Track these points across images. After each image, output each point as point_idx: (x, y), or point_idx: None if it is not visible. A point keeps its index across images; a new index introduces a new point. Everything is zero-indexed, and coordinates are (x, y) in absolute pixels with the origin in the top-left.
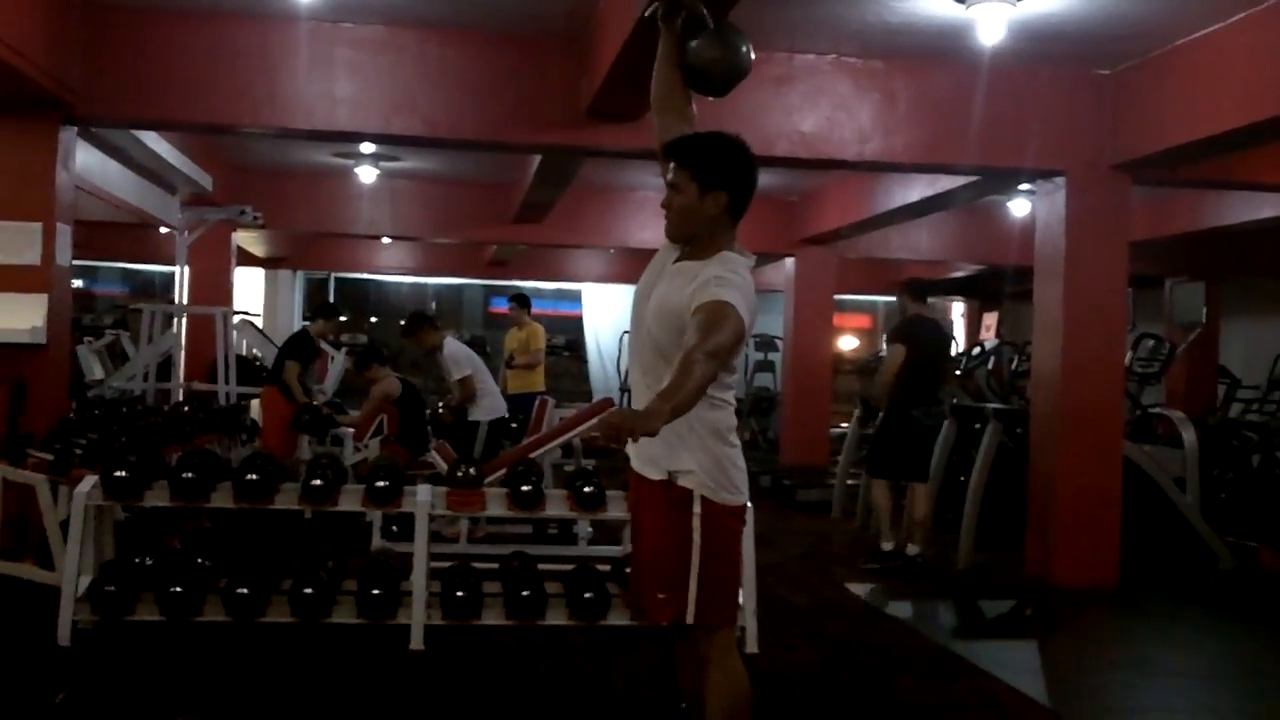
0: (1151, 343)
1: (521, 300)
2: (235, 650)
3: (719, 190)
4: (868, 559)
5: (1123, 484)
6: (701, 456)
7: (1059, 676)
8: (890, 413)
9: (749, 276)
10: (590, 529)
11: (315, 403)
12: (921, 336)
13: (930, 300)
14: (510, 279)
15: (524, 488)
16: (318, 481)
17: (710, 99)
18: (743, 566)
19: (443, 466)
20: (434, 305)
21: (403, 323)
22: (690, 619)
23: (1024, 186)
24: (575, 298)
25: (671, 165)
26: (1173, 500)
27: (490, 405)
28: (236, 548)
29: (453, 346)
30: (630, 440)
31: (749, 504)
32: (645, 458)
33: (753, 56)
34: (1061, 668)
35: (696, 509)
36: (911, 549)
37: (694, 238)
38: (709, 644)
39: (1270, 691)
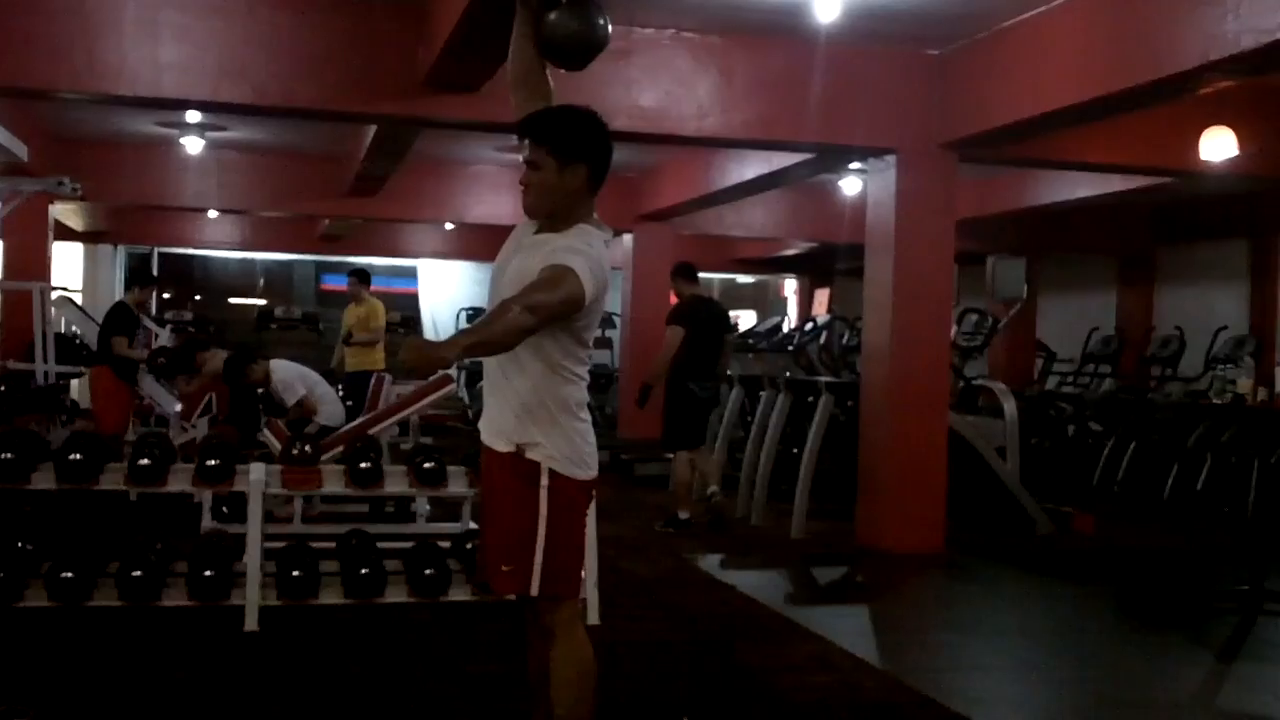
0: (975, 317)
1: (362, 276)
2: (61, 638)
3: (578, 163)
4: (663, 522)
5: (948, 453)
6: (551, 430)
7: (889, 638)
8: (671, 389)
9: (603, 249)
10: (429, 507)
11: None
12: (700, 316)
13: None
14: (344, 254)
15: (362, 465)
16: (145, 461)
17: (564, 71)
18: (586, 539)
19: (276, 445)
20: (262, 281)
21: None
22: (534, 591)
23: (855, 165)
24: (411, 274)
25: (528, 142)
26: (994, 469)
27: (330, 412)
28: (58, 532)
29: (281, 371)
30: (429, 366)
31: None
32: (494, 430)
33: (610, 29)
34: (891, 629)
35: (544, 482)
36: (712, 489)
37: (554, 213)
38: (553, 616)
39: (1084, 645)
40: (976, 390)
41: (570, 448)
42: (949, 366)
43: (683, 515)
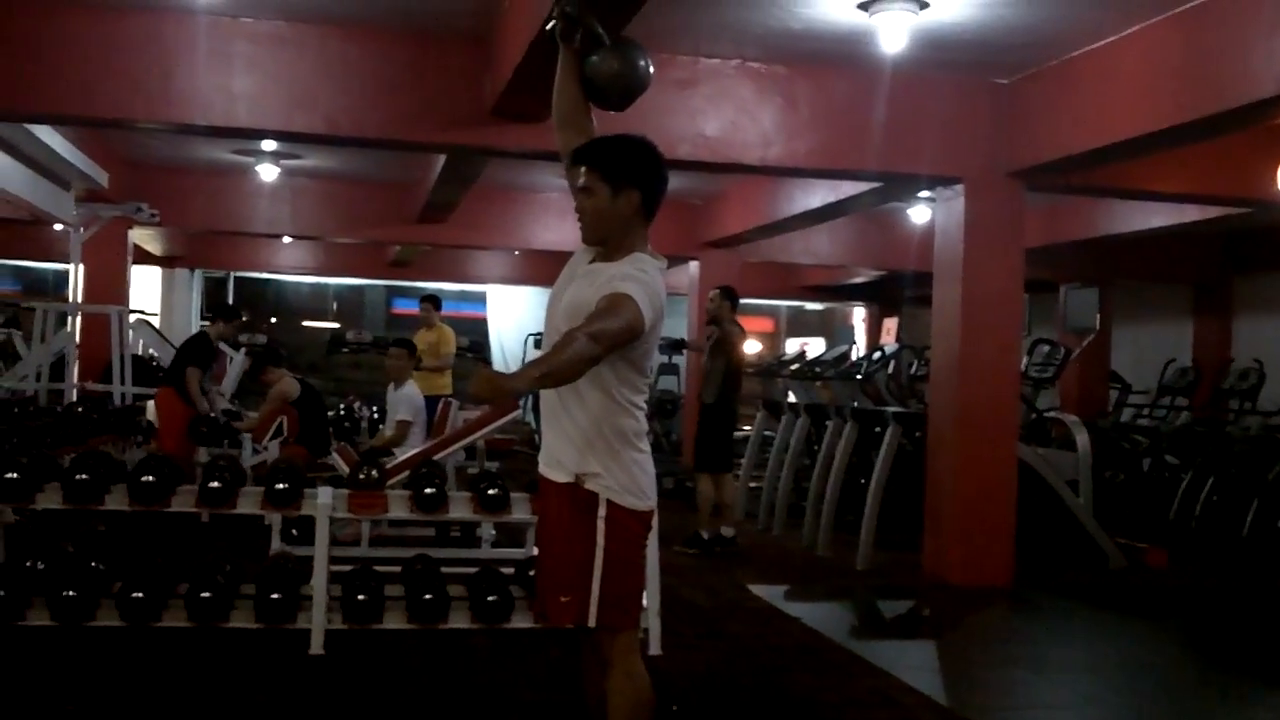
0: (1046, 348)
1: (433, 301)
2: (130, 656)
3: (631, 189)
4: (684, 544)
5: (1017, 486)
6: (609, 461)
7: (954, 674)
8: (720, 412)
9: (659, 277)
10: (494, 532)
11: (214, 410)
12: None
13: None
14: (414, 280)
15: (427, 490)
16: (215, 484)
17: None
18: (645, 569)
19: (344, 468)
20: (335, 305)
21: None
22: (592, 622)
23: (923, 193)
24: (480, 299)
25: (582, 169)
26: (1065, 502)
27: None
28: (132, 551)
29: (408, 389)
30: (499, 396)
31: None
32: (552, 460)
33: (651, 70)
34: (957, 665)
35: (602, 512)
36: (727, 530)
37: (608, 240)
38: (611, 646)
39: (1153, 684)
40: (1048, 422)
41: (628, 478)
42: (1018, 397)
43: (705, 534)
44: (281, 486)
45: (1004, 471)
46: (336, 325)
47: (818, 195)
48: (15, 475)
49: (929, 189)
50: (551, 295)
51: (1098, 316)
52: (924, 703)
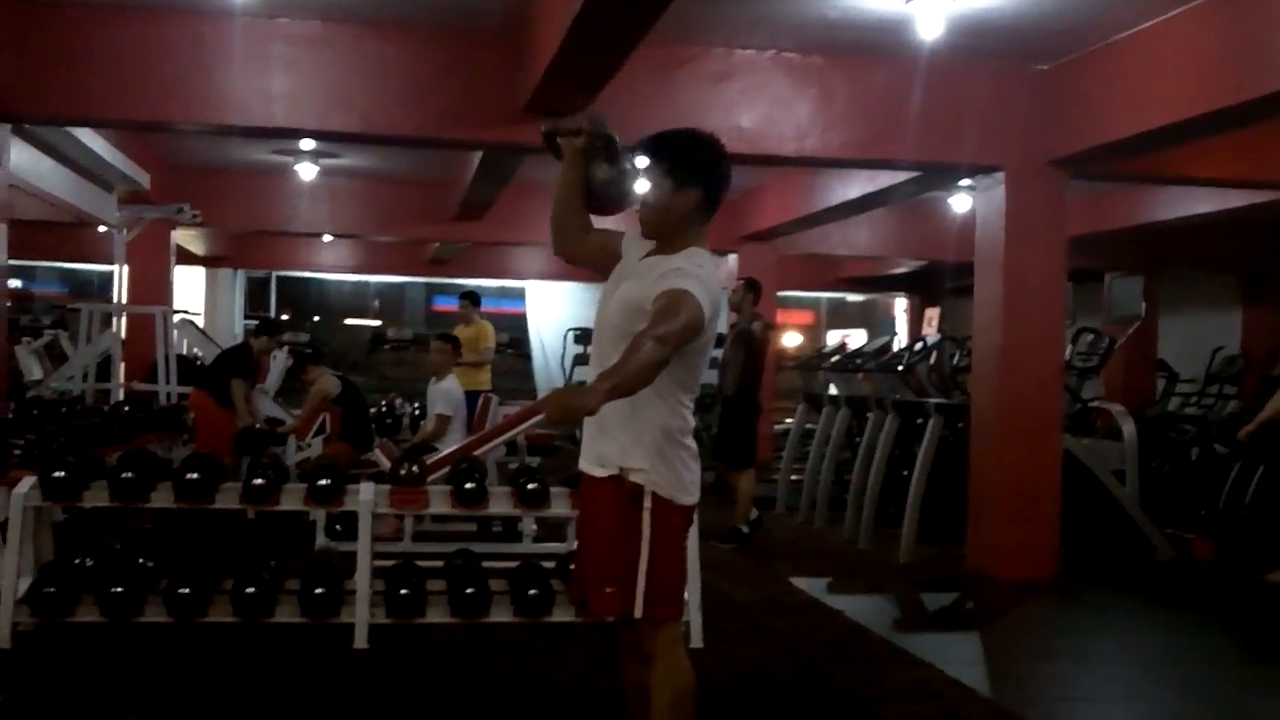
0: (1090, 336)
1: (472, 298)
2: (177, 651)
3: (691, 188)
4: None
5: (1062, 477)
6: (655, 458)
7: (998, 666)
8: (741, 405)
9: (714, 273)
10: (535, 526)
11: (258, 419)
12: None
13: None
14: (453, 277)
15: (467, 485)
16: (259, 481)
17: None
18: (686, 563)
19: (386, 464)
20: (376, 303)
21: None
22: (638, 613)
23: (964, 182)
24: (519, 295)
25: (648, 161)
26: (1112, 492)
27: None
28: (178, 548)
29: (448, 383)
30: (574, 417)
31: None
32: (596, 457)
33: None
34: (1001, 658)
35: (647, 504)
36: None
37: (664, 234)
38: (655, 639)
39: (1200, 678)
40: (1092, 412)
41: (673, 474)
42: (1062, 387)
43: (744, 529)
44: (324, 483)
45: (1048, 463)
46: (378, 323)
47: (855, 186)
48: (62, 474)
49: (969, 178)
50: (604, 291)
51: (1143, 305)
52: (967, 695)
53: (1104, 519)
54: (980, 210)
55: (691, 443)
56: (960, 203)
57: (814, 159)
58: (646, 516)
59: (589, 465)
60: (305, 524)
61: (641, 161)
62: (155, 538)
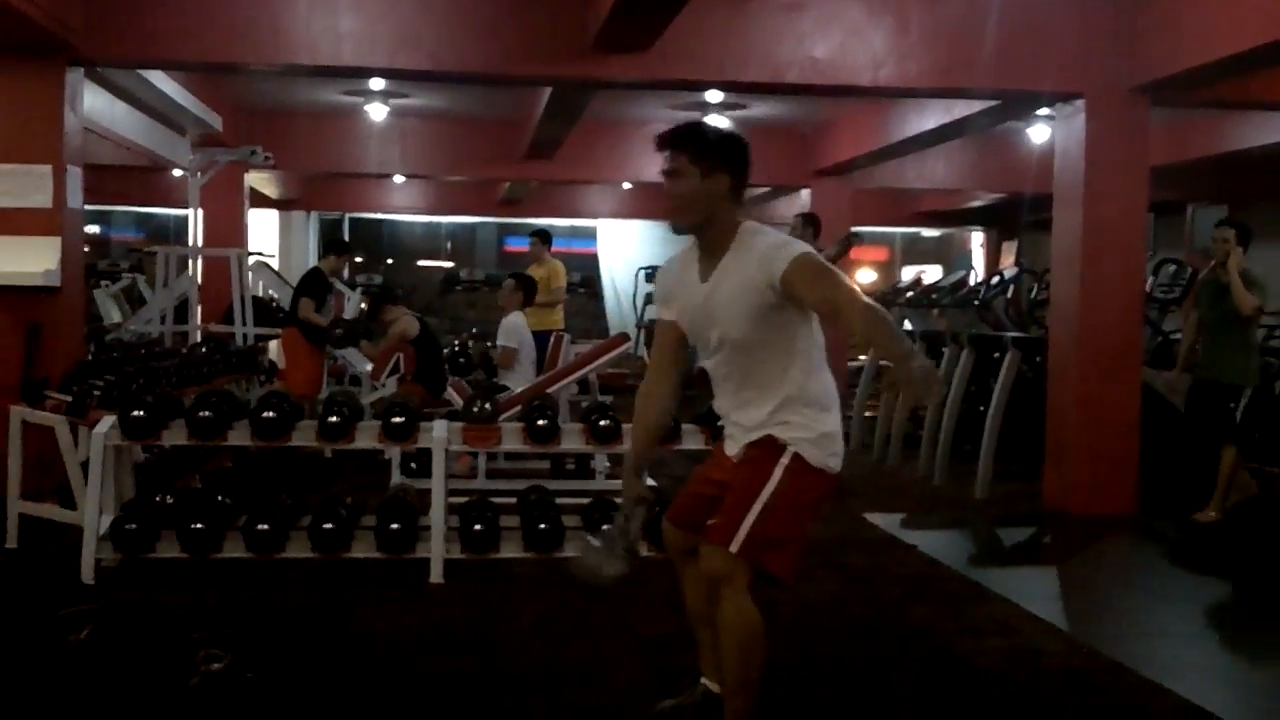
0: (1172, 268)
1: (543, 237)
2: (255, 587)
3: (720, 171)
4: None
5: (1141, 411)
6: (803, 428)
7: (1076, 602)
8: None
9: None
10: (607, 464)
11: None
12: None
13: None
14: (524, 217)
15: (540, 422)
16: (334, 418)
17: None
18: (808, 531)
19: (460, 404)
20: (448, 245)
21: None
22: (734, 548)
23: (1043, 112)
24: (590, 235)
25: (669, 153)
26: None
27: (520, 379)
28: (257, 487)
29: (514, 319)
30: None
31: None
32: (740, 433)
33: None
34: (1079, 593)
35: (785, 460)
36: None
37: (703, 226)
38: (732, 580)
39: None
40: (1174, 345)
41: (820, 441)
42: (1143, 320)
43: None
44: (398, 420)
45: (1128, 397)
46: (450, 264)
47: (932, 117)
48: (141, 413)
49: (1048, 107)
50: (687, 312)
51: None
52: (1045, 630)
53: (1184, 454)
54: (1059, 140)
55: (836, 408)
56: (1039, 133)
57: (890, 89)
58: (780, 470)
59: (731, 447)
60: (380, 463)
61: (665, 157)
62: (234, 477)
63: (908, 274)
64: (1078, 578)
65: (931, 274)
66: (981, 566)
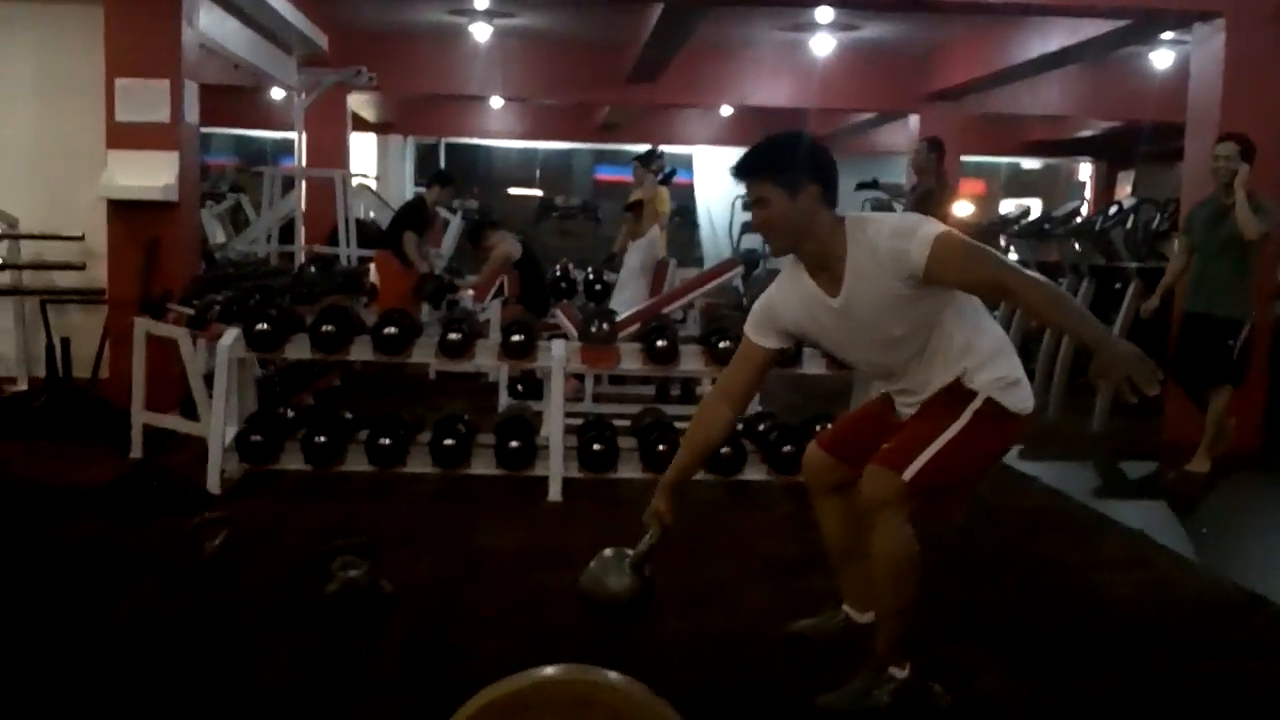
0: None
1: (647, 159)
2: (376, 500)
3: (809, 184)
4: None
5: (1271, 344)
6: (990, 377)
7: (1205, 536)
8: None
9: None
10: None
11: (434, 270)
12: None
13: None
14: (619, 143)
15: (659, 343)
16: (455, 335)
17: None
18: (982, 474)
19: (568, 328)
20: (539, 172)
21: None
22: (906, 476)
23: (1168, 35)
24: (685, 165)
25: (748, 182)
26: None
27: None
28: (372, 404)
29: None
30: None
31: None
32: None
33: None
34: (1205, 526)
35: (976, 404)
36: None
37: (803, 243)
38: (892, 508)
39: None
40: None
41: (1005, 389)
42: (1277, 253)
43: None
44: (517, 339)
45: (1258, 330)
46: (541, 193)
47: (1055, 39)
48: (266, 326)
49: (1182, 28)
50: (806, 330)
51: None
52: (1176, 561)
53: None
54: (1195, 63)
55: (1017, 360)
56: (1161, 58)
57: (1017, 4)
58: (969, 412)
59: (905, 412)
60: (483, 386)
61: (747, 187)
62: (343, 396)
63: (1005, 207)
64: (1204, 512)
65: (1032, 209)
66: (1105, 498)
